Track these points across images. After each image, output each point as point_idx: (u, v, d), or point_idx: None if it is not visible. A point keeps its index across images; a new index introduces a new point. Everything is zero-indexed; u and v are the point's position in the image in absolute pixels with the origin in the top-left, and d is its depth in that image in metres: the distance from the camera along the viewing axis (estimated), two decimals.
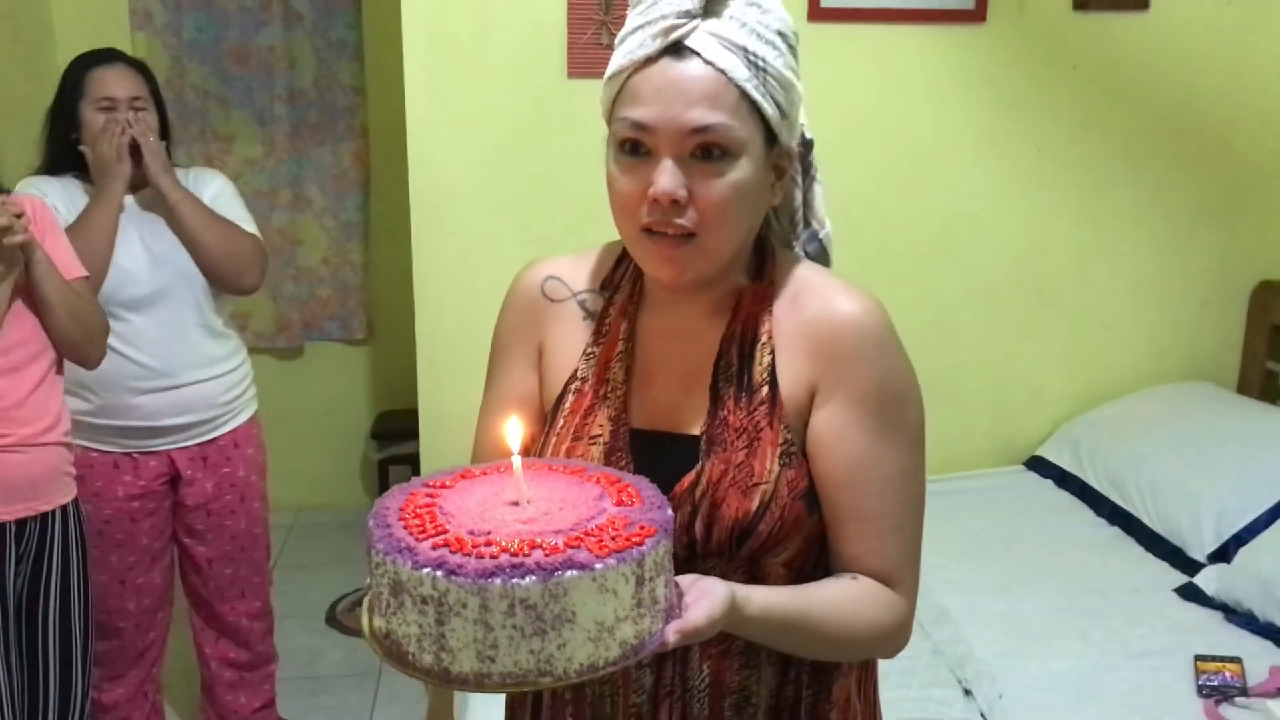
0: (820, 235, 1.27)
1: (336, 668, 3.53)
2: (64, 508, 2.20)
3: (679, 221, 1.10)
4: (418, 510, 0.97)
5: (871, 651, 1.23)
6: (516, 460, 1.00)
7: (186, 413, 2.57)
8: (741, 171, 1.10)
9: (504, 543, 0.90)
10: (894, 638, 1.18)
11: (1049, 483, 3.17)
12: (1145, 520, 2.83)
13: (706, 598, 0.99)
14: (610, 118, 1.15)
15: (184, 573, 2.77)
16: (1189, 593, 2.55)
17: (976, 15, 3.09)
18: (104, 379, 2.44)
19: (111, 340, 2.34)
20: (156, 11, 4.18)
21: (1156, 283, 3.35)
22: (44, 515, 2.17)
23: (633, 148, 1.11)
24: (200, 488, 2.64)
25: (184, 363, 2.54)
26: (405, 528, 0.93)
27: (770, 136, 1.13)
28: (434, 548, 0.90)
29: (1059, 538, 2.85)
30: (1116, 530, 2.88)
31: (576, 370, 1.24)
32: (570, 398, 1.23)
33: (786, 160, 1.19)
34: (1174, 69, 3.22)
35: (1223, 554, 2.62)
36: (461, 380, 3.13)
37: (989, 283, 3.27)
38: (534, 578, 0.87)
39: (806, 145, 1.23)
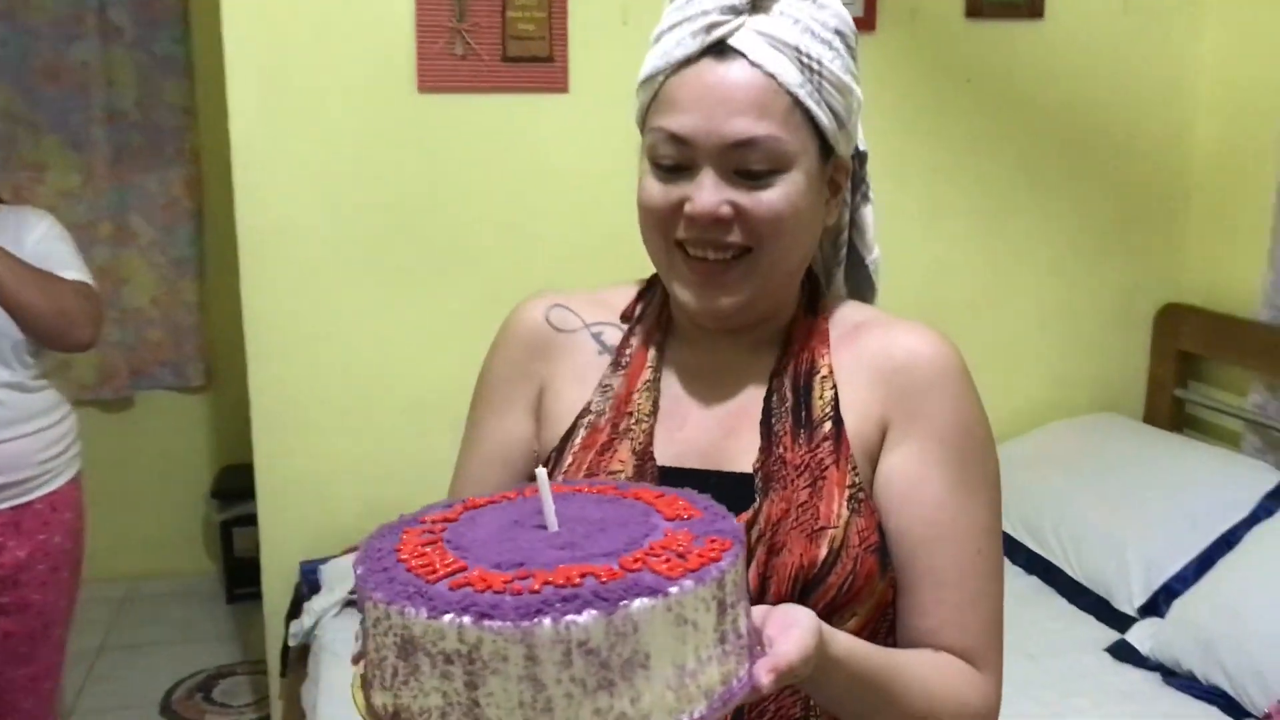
0: (868, 260, 1.14)
1: None
2: None
3: (729, 239, 0.97)
4: (420, 548, 0.76)
5: None
6: (542, 473, 0.80)
7: None
8: (794, 185, 0.97)
9: (545, 572, 0.70)
10: None
11: None
12: (1066, 570, 2.61)
13: (795, 627, 0.79)
14: (644, 126, 1.03)
15: None
16: (1122, 652, 2.33)
17: (865, 24, 2.87)
18: None
19: None
20: None
21: (1060, 309, 3.18)
22: None
23: (670, 165, 0.98)
24: (11, 555, 2.31)
25: None
26: (409, 569, 0.74)
27: (825, 149, 1.00)
28: (453, 587, 0.70)
29: None
30: (1035, 580, 2.66)
31: (589, 404, 1.07)
32: (582, 433, 1.06)
33: (843, 175, 1.06)
34: (1071, 80, 3.05)
35: (1153, 606, 2.41)
36: (303, 435, 2.80)
37: (887, 312, 3.03)
38: (594, 611, 0.67)
39: (860, 158, 1.09)
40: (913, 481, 0.99)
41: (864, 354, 1.04)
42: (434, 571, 0.72)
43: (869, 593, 0.97)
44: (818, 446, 1.00)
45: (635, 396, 1.06)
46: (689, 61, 0.97)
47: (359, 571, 0.76)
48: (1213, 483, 2.59)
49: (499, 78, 2.71)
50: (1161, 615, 2.38)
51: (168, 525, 4.18)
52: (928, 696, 0.93)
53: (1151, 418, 3.17)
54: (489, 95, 2.72)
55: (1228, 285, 3.05)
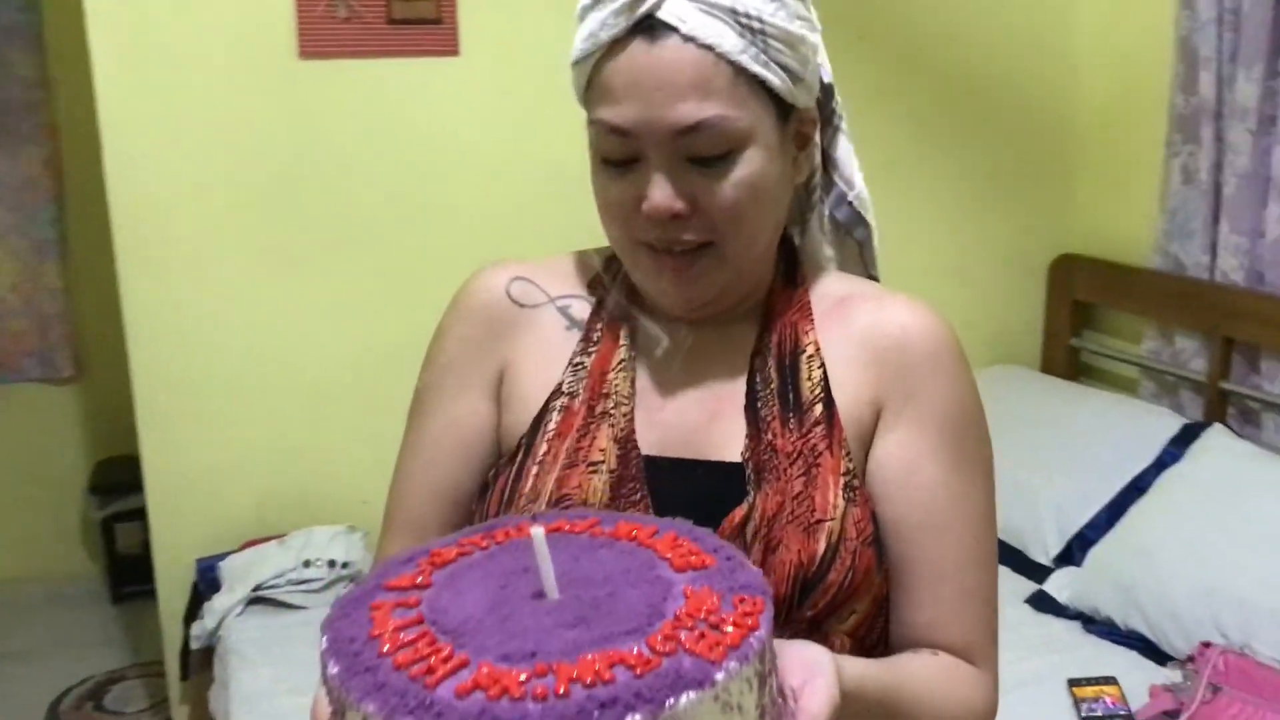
0: (850, 197, 1.05)
1: None
2: None
3: (686, 236, 0.90)
4: (401, 633, 0.64)
5: None
6: (539, 533, 0.67)
7: None
8: (752, 165, 0.89)
9: (566, 665, 0.59)
10: None
11: None
12: None
13: (819, 675, 0.72)
14: (585, 108, 0.93)
15: None
16: (1041, 602, 2.36)
17: None
18: None
19: None
20: None
21: (953, 263, 3.18)
22: None
23: (617, 161, 0.90)
24: None
25: None
26: (398, 667, 0.61)
27: (783, 107, 0.91)
28: (460, 693, 0.58)
29: None
30: None
31: (561, 385, 0.98)
32: (555, 417, 0.96)
33: (810, 126, 0.97)
34: (959, 34, 3.04)
35: (1068, 555, 2.44)
36: (192, 424, 2.64)
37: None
38: (637, 717, 0.57)
39: (826, 91, 1.00)
40: (909, 467, 0.93)
41: (853, 330, 0.96)
42: (430, 671, 0.61)
43: (867, 588, 0.91)
44: (809, 432, 0.92)
45: (610, 376, 0.97)
46: (618, 44, 0.88)
47: (333, 670, 0.64)
48: (1117, 430, 2.62)
49: (385, 42, 2.58)
50: (1077, 564, 2.41)
51: (42, 525, 3.91)
52: (937, 708, 0.89)
53: (1048, 368, 3.21)
54: (375, 60, 2.59)
55: (1120, 234, 3.09)
